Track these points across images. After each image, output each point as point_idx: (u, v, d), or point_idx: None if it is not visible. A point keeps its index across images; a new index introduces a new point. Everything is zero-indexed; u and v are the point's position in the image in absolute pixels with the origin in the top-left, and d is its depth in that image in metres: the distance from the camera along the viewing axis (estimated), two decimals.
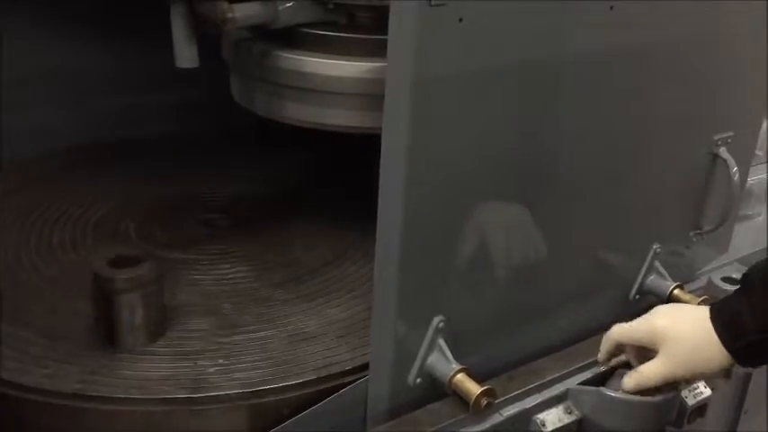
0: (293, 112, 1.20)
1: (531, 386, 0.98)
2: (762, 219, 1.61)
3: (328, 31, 1.18)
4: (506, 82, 0.88)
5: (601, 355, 1.03)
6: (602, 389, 0.98)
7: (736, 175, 1.18)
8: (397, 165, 0.83)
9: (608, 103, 1.02)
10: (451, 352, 0.95)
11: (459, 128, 0.87)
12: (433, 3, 0.77)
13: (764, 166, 1.85)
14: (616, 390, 1.01)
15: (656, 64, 1.06)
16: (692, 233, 1.24)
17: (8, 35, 1.36)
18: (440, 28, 0.79)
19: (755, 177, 1.82)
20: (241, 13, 1.12)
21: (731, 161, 1.18)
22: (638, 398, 0.97)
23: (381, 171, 0.84)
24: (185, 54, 1.13)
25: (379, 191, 0.85)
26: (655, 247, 1.18)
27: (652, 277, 1.19)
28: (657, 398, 0.97)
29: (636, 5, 0.97)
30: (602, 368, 1.04)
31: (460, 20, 0.80)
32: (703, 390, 1.18)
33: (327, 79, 1.14)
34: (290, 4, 1.16)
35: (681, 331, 0.93)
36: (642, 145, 1.10)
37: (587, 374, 1.03)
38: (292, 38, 1.19)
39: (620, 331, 0.99)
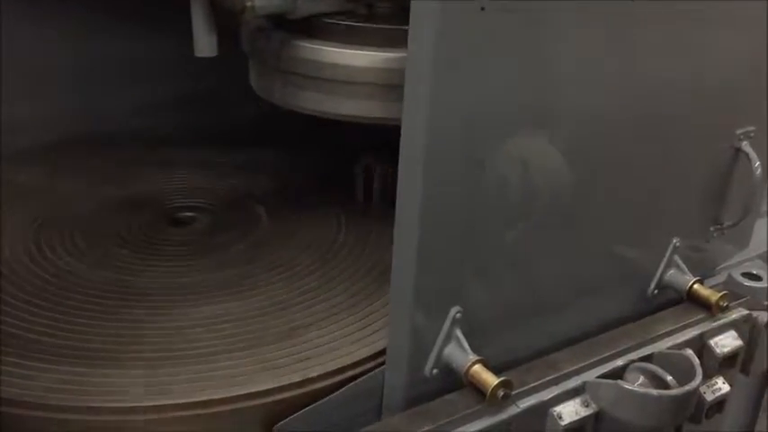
0: (311, 102, 1.20)
1: (548, 378, 0.97)
2: None
3: (348, 21, 1.18)
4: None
5: None
6: (620, 382, 0.98)
7: (759, 170, 1.16)
8: (416, 152, 0.82)
9: (636, 93, 1.01)
10: (468, 343, 0.95)
11: (480, 112, 0.86)
12: None
13: None
14: (634, 383, 1.00)
15: (683, 59, 1.05)
16: (712, 228, 1.23)
17: None
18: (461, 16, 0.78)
19: None
20: (260, 2, 1.12)
21: (753, 155, 1.16)
22: (656, 392, 0.96)
23: (400, 159, 0.83)
24: (205, 43, 1.13)
25: (398, 179, 0.85)
26: (675, 241, 1.17)
27: (671, 272, 1.18)
28: (676, 391, 0.96)
29: None
30: None
31: (482, 9, 0.79)
32: (722, 385, 1.17)
33: (346, 69, 1.13)
34: None
35: None
36: (665, 139, 1.08)
37: (605, 368, 1.02)
38: (311, 28, 1.18)
39: None
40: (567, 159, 0.98)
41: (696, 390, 0.98)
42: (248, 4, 1.11)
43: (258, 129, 1.61)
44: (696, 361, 1.02)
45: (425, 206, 0.86)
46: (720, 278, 1.27)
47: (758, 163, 1.16)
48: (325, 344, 1.00)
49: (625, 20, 0.94)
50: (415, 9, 0.78)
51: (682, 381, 1.01)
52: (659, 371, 1.00)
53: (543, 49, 0.87)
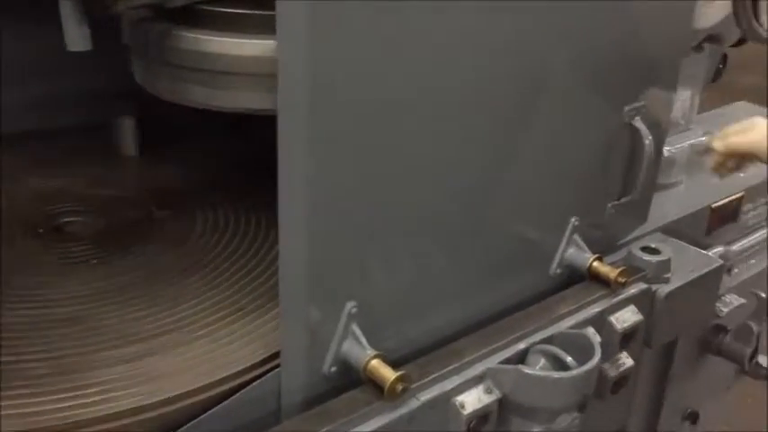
0: (200, 95, 1.15)
1: (449, 368, 0.96)
2: (683, 186, 1.62)
3: (232, 8, 1.12)
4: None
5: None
6: (520, 366, 0.97)
7: (650, 145, 1.17)
8: (298, 136, 0.80)
9: (517, 72, 1.00)
10: (367, 337, 0.92)
11: (363, 98, 0.83)
12: None
13: (688, 133, 1.88)
14: (535, 366, 1.00)
15: (568, 35, 1.04)
16: (609, 204, 1.24)
17: None
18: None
19: (678, 146, 1.85)
20: None
21: (644, 131, 1.17)
22: (556, 374, 0.96)
23: (279, 146, 0.80)
24: (76, 36, 1.06)
25: (279, 168, 0.81)
26: (573, 219, 1.17)
27: (571, 250, 1.18)
28: (574, 372, 0.96)
29: None
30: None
31: None
32: (625, 360, 1.19)
33: (231, 59, 1.08)
34: None
35: None
36: (554, 118, 1.08)
37: (508, 353, 1.02)
38: (193, 16, 1.13)
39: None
40: (456, 141, 0.96)
41: (595, 368, 0.99)
42: None
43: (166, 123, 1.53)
44: (595, 339, 1.02)
45: (311, 199, 0.83)
46: (622, 254, 1.28)
47: (649, 138, 1.17)
48: (212, 351, 0.95)
49: None
50: None
51: (582, 360, 1.01)
52: (559, 352, 1.00)
53: (416, 25, 0.85)
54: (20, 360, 0.91)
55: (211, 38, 1.10)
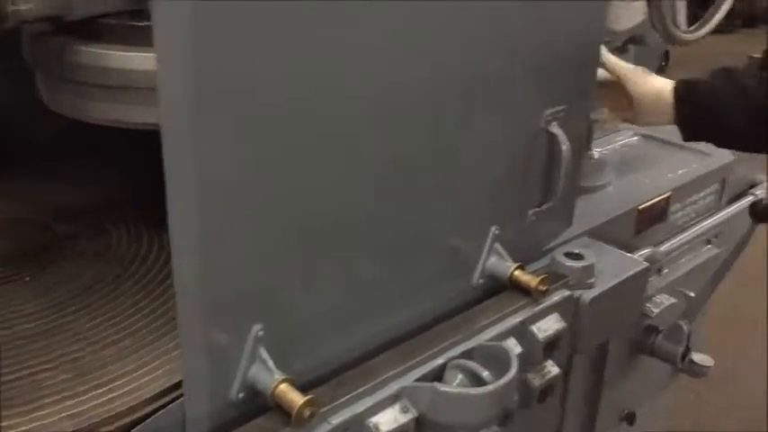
0: (103, 111, 1.10)
1: (362, 388, 0.93)
2: (611, 188, 1.62)
3: (131, 21, 1.08)
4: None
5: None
6: (436, 384, 0.95)
7: (568, 150, 1.16)
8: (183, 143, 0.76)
9: (430, 81, 0.98)
10: (276, 361, 0.89)
11: (252, 104, 0.80)
12: None
13: (618, 135, 1.89)
14: (452, 382, 0.98)
15: (481, 38, 1.03)
16: (531, 211, 1.23)
17: None
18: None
19: (608, 147, 1.85)
20: (27, 5, 1.01)
21: (562, 136, 1.16)
22: (472, 390, 0.94)
23: (165, 153, 0.76)
24: None
25: (167, 183, 0.77)
26: (493, 228, 1.15)
27: (493, 259, 1.16)
28: (491, 387, 0.94)
29: None
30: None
31: None
32: (551, 368, 1.17)
33: (130, 74, 1.04)
34: None
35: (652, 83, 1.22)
36: (468, 124, 1.06)
37: (425, 369, 0.99)
38: (93, 30, 1.08)
39: (611, 58, 1.26)
40: (363, 153, 0.93)
41: (512, 382, 0.97)
42: (12, 8, 0.99)
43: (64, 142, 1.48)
44: (512, 352, 1.00)
45: (205, 219, 0.80)
46: (546, 261, 1.27)
47: (567, 144, 1.16)
48: (112, 382, 0.91)
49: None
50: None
51: (502, 373, 0.99)
52: (475, 367, 0.98)
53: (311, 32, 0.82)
54: None
55: (112, 52, 1.06)
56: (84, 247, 1.23)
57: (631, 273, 1.29)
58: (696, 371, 1.71)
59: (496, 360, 1.01)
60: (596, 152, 1.71)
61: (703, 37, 1.36)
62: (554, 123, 1.16)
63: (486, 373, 0.96)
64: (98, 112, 1.10)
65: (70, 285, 1.11)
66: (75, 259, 1.19)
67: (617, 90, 1.29)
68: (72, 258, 1.19)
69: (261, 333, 0.88)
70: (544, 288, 1.12)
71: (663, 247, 1.60)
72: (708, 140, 1.25)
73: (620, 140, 1.89)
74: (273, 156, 0.84)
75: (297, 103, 0.84)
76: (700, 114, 1.16)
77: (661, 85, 1.22)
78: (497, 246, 1.16)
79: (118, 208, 1.34)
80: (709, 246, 1.76)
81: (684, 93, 1.18)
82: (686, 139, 1.22)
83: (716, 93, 1.14)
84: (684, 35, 1.33)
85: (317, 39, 0.83)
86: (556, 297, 1.16)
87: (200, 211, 0.79)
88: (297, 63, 0.82)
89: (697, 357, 1.70)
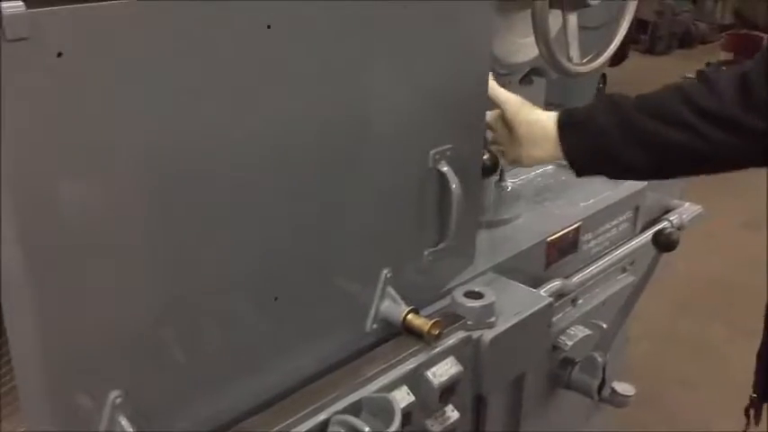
0: None
1: None
2: (521, 220, 1.60)
3: None
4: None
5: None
6: None
7: (458, 188, 1.13)
8: None
9: (314, 123, 0.95)
10: (137, 426, 0.83)
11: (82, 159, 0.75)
12: (8, 38, 0.64)
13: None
14: None
15: (361, 80, 1.00)
16: (427, 251, 1.19)
17: None
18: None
19: (522, 177, 1.84)
20: None
21: (451, 174, 1.14)
22: None
23: None
24: None
25: None
26: (385, 271, 1.11)
27: (386, 303, 1.12)
28: None
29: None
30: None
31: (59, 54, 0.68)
32: (451, 414, 1.14)
33: None
34: None
35: (533, 111, 1.17)
36: (352, 167, 1.03)
37: (306, 426, 0.94)
38: None
39: (494, 86, 1.20)
40: (247, 200, 0.89)
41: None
42: None
43: None
44: (397, 403, 0.96)
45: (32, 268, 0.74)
46: (445, 301, 1.24)
47: (456, 182, 1.14)
48: None
49: (276, 48, 0.87)
50: None
51: (389, 425, 0.95)
52: (357, 423, 0.93)
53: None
54: None
55: None
56: None
57: (534, 309, 1.27)
58: (618, 401, 1.70)
59: (384, 412, 0.97)
60: (510, 183, 1.70)
61: (597, 69, 1.35)
62: (442, 162, 1.14)
63: (367, 429, 0.91)
64: None
65: None
66: None
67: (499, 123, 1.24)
68: None
69: (119, 400, 0.82)
70: (436, 332, 1.08)
71: (575, 278, 1.59)
72: (598, 172, 1.18)
73: (536, 170, 1.88)
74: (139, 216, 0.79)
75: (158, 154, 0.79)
76: (583, 139, 1.10)
77: (545, 116, 1.16)
78: (390, 289, 1.12)
79: None
80: (625, 274, 1.75)
81: (566, 117, 1.12)
82: (578, 172, 1.16)
83: (594, 113, 1.09)
84: (576, 67, 1.33)
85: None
86: (452, 340, 1.13)
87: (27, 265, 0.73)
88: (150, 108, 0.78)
89: (619, 387, 1.69)
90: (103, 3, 0.70)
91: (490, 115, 1.23)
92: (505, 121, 1.21)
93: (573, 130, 1.10)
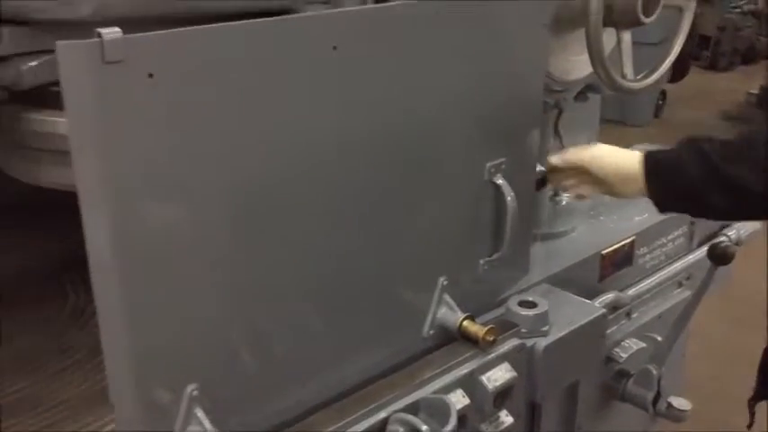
0: (55, 176, 1.13)
1: None
2: (575, 234, 1.63)
3: None
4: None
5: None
6: None
7: (513, 201, 1.18)
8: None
9: (378, 137, 1.01)
10: (212, 419, 0.90)
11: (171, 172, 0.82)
12: (107, 59, 0.72)
13: None
14: None
15: (431, 99, 1.06)
16: (482, 261, 1.23)
17: None
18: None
19: None
20: None
21: (506, 187, 1.18)
22: None
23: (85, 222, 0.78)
24: None
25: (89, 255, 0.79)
26: (441, 279, 1.16)
27: (443, 310, 1.17)
28: None
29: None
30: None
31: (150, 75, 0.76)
32: (505, 418, 1.17)
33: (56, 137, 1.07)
34: (35, 63, 1.09)
35: (606, 154, 1.21)
36: (414, 179, 1.08)
37: (368, 422, 1.00)
38: (43, 97, 1.12)
39: (566, 154, 1.25)
40: (312, 209, 0.96)
41: None
42: None
43: None
44: (453, 405, 1.00)
45: (128, 277, 0.81)
46: (500, 310, 1.27)
47: (511, 195, 1.18)
48: None
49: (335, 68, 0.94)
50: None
51: (445, 425, 0.99)
52: (416, 421, 0.98)
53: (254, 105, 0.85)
54: None
55: (57, 119, 1.09)
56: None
57: (588, 319, 1.29)
58: (675, 415, 1.69)
59: (439, 413, 1.01)
60: (565, 198, 1.72)
61: (652, 85, 1.38)
62: (498, 175, 1.18)
63: (425, 428, 0.96)
64: (52, 176, 1.13)
65: None
66: None
67: (576, 172, 1.27)
68: None
69: (195, 393, 0.89)
70: (491, 338, 1.12)
71: (630, 291, 1.60)
72: (682, 212, 1.27)
73: None
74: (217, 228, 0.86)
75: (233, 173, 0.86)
76: (669, 188, 1.14)
77: (628, 163, 1.17)
78: (446, 296, 1.17)
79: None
80: (681, 288, 1.75)
81: (652, 167, 1.15)
82: (661, 211, 1.20)
83: (682, 167, 1.11)
84: (631, 84, 1.35)
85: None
86: (506, 346, 1.16)
87: (121, 272, 0.81)
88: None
89: (675, 401, 1.69)
90: (190, 29, 0.77)
91: (557, 162, 1.27)
92: (590, 171, 1.23)
93: (660, 177, 1.14)
